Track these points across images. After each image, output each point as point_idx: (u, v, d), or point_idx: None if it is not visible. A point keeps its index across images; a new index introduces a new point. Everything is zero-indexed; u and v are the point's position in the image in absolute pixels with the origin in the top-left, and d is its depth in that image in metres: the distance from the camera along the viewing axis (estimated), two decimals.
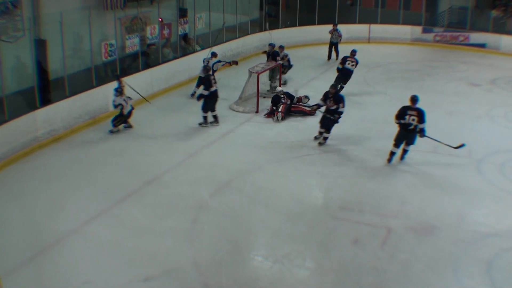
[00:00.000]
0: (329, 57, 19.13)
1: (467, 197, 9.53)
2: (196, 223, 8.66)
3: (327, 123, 11.60)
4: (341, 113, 11.58)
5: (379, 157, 11.00)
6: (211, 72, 13.10)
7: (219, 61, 14.98)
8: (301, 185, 9.96)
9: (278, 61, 15.05)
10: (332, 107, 11.51)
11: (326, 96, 11.69)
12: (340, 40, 18.93)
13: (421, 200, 9.39)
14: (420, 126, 10.31)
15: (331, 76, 17.24)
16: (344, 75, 14.96)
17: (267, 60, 15.33)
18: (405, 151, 10.75)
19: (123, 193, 9.48)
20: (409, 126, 10.31)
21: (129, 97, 12.26)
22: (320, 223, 8.71)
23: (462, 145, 10.93)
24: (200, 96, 12.56)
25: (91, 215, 8.77)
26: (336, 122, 11.61)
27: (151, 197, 9.46)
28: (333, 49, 19.05)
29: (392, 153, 10.66)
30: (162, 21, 15.54)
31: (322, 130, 11.70)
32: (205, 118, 12.65)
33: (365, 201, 9.36)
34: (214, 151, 11.43)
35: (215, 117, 12.75)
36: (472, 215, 8.97)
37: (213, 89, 12.47)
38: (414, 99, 10.37)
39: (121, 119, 12.16)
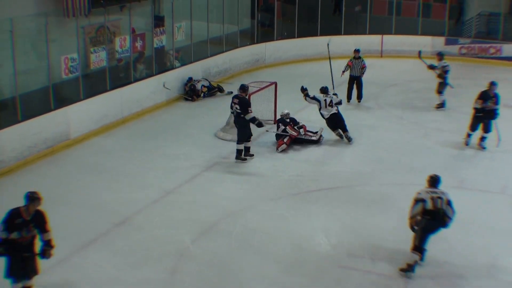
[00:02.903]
0: (349, 96, 16.75)
1: (500, 240, 9.68)
2: (176, 273, 8.73)
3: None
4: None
5: (396, 192, 11.17)
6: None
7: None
8: (301, 227, 10.07)
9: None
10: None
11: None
12: (364, 73, 16.66)
13: (445, 244, 9.47)
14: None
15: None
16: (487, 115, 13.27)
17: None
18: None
19: (87, 237, 9.55)
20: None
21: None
22: (324, 274, 8.80)
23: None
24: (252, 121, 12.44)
25: (45, 264, 8.75)
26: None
27: (121, 242, 9.53)
28: (354, 85, 16.74)
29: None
30: (134, 31, 15.82)
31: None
32: (245, 149, 12.78)
33: (378, 246, 9.47)
34: (196, 187, 11.55)
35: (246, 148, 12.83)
36: (507, 263, 9.10)
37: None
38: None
39: None
